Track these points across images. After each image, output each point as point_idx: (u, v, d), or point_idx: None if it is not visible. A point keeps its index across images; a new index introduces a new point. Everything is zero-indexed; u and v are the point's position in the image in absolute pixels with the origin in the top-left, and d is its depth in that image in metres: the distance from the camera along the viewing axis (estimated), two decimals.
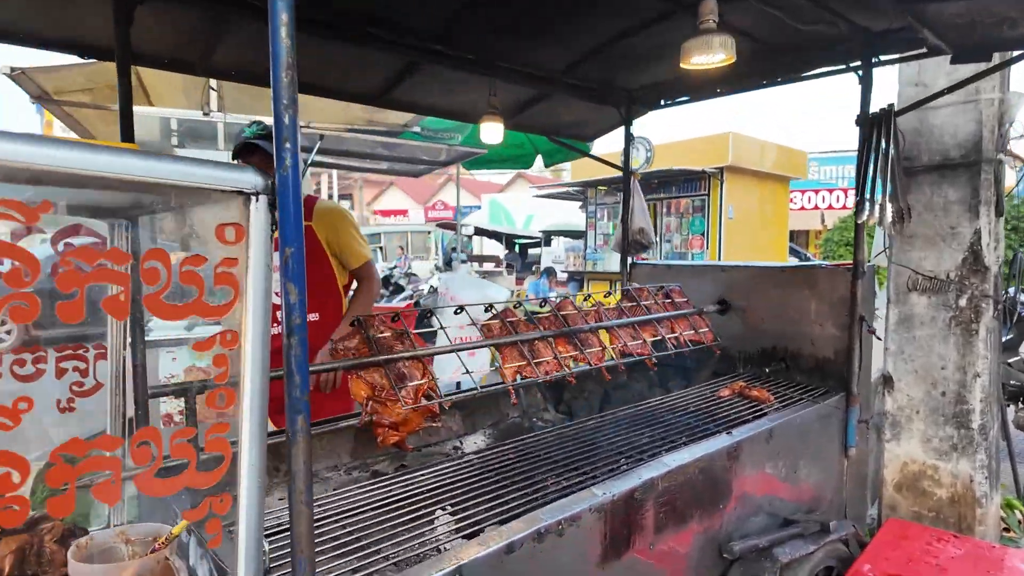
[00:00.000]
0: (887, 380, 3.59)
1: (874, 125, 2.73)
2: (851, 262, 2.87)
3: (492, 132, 3.17)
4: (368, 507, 1.88)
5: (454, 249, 24.47)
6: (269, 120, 1.06)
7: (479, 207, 28.54)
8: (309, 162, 5.34)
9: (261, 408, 1.04)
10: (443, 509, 1.87)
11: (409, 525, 1.74)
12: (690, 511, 1.99)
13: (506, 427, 2.99)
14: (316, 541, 1.70)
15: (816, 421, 2.67)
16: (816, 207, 20.82)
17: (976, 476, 3.23)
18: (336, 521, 1.81)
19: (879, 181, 2.70)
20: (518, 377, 2.10)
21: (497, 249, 22.63)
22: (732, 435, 2.23)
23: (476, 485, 1.88)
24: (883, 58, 2.93)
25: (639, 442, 2.23)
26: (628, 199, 3.76)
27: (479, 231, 19.34)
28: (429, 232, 25.19)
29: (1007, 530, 3.73)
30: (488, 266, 22.24)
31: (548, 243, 21.45)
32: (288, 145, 1.00)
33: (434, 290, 8.21)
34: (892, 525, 2.68)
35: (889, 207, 2.63)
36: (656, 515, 1.84)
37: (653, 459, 1.98)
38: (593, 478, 1.86)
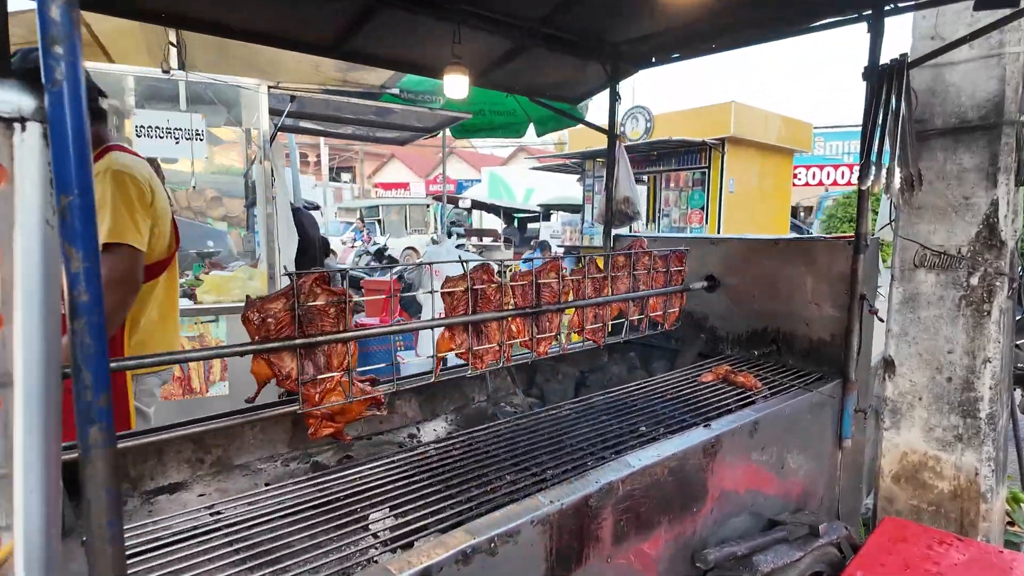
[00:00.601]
0: (888, 364, 3.32)
1: (884, 79, 2.41)
2: (852, 235, 2.58)
3: (456, 86, 2.85)
4: (297, 507, 1.64)
5: (453, 223, 24.19)
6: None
7: (479, 181, 28.12)
8: (279, 125, 5.03)
9: (46, 417, 0.77)
10: (382, 511, 1.63)
11: (345, 530, 1.50)
12: (657, 517, 1.73)
13: (470, 413, 2.74)
14: (229, 550, 1.46)
15: (808, 410, 2.41)
16: (820, 183, 20.35)
17: (982, 469, 2.98)
18: (258, 525, 1.57)
19: (887, 143, 2.40)
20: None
21: (497, 224, 22.29)
22: (711, 428, 1.97)
23: (423, 483, 1.63)
24: (899, 5, 2.60)
25: (608, 434, 1.97)
26: (613, 166, 3.45)
27: (477, 204, 18.99)
28: (428, 205, 24.79)
29: (1011, 524, 3.50)
30: (487, 240, 21.93)
31: (547, 217, 21.07)
32: (59, 50, 0.71)
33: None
34: (888, 525, 2.44)
35: (897, 172, 2.33)
36: (615, 524, 1.59)
37: (619, 456, 1.72)
38: (543, 481, 1.60)
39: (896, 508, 3.30)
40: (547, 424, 2.06)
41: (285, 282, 4.71)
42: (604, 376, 2.98)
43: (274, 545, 1.47)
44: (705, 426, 1.98)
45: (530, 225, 19.93)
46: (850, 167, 19.84)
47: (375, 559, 1.36)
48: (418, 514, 1.51)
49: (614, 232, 3.57)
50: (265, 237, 4.82)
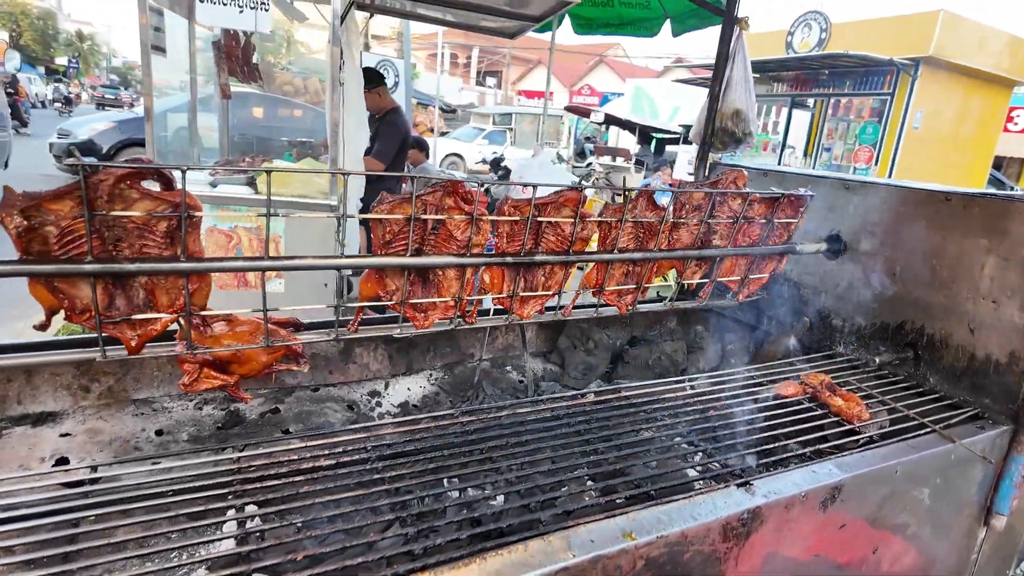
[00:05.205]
0: None
1: None
2: None
3: None
4: (157, 480, 1.16)
5: (588, 139, 22.86)
6: None
7: (622, 94, 26.13)
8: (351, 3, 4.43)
9: None
10: (248, 508, 1.11)
11: (193, 523, 1.01)
12: None
13: (464, 373, 2.14)
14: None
15: (940, 470, 1.53)
16: None
17: None
18: (91, 494, 1.12)
19: None
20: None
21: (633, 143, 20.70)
22: (751, 490, 1.21)
23: (321, 481, 1.09)
24: None
25: (588, 465, 1.29)
26: (724, 63, 2.48)
27: (610, 119, 17.54)
28: (562, 117, 23.52)
29: None
30: (619, 161, 20.47)
31: (688, 140, 19.08)
32: None
33: (507, 172, 7.24)
34: None
35: None
36: None
37: (556, 529, 1.04)
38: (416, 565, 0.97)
39: None
40: (508, 431, 1.40)
41: (350, 181, 4.20)
42: (651, 352, 2.21)
43: (85, 530, 1.01)
44: (743, 486, 1.21)
45: (668, 148, 18.15)
46: None
47: None
48: (300, 534, 0.97)
49: (715, 158, 2.66)
50: (330, 129, 4.36)
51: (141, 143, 10.76)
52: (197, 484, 1.09)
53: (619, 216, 1.60)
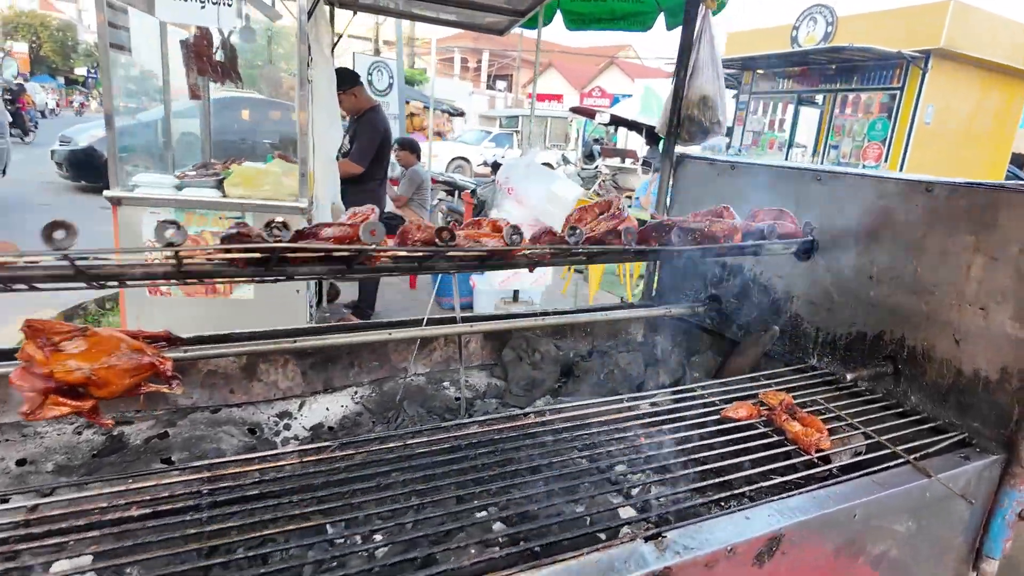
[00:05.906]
0: None
1: None
2: None
3: None
4: None
5: (596, 140, 22.62)
6: None
7: (631, 96, 25.83)
8: None
9: None
10: (82, 557, 0.92)
11: None
12: None
13: (392, 389, 1.93)
14: None
15: (913, 510, 1.28)
16: None
17: None
18: None
19: None
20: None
21: (640, 144, 20.39)
22: (661, 548, 0.98)
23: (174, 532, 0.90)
24: None
25: (471, 520, 1.08)
26: (690, 44, 2.25)
27: (616, 120, 17.28)
28: (569, 119, 23.28)
29: None
30: (628, 162, 20.17)
31: None
32: None
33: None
34: None
35: None
36: None
37: None
38: None
39: None
40: (389, 468, 1.18)
41: (322, 182, 3.99)
42: (604, 366, 1.99)
43: None
44: (653, 539, 0.99)
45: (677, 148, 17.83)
46: None
47: None
48: None
49: (681, 150, 2.44)
50: (299, 128, 4.19)
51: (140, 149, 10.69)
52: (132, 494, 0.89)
53: (557, 245, 1.35)
